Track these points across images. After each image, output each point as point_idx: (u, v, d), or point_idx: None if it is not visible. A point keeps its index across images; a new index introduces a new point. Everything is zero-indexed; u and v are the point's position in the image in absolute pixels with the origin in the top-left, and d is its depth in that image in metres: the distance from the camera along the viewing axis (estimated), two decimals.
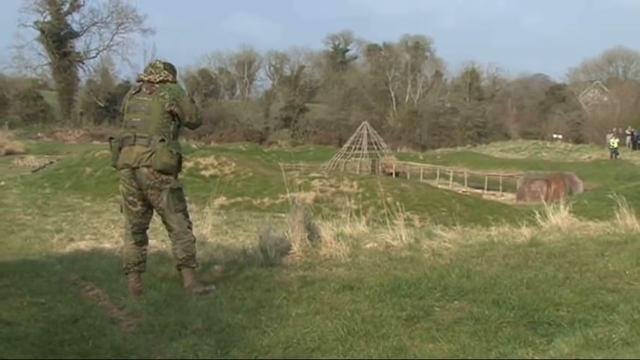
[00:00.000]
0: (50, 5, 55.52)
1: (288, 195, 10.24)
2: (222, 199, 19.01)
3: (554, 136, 53.03)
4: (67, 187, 21.27)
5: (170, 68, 4.81)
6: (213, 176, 21.15)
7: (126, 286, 4.66)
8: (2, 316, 3.93)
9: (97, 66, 60.56)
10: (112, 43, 59.60)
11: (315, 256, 5.58)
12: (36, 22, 55.41)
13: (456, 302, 4.11)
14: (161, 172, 4.55)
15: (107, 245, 8.03)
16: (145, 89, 4.68)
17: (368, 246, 5.98)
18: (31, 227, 12.72)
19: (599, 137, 48.36)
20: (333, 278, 4.83)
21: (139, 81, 4.82)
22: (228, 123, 56.35)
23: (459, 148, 51.13)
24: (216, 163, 22.36)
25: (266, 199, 19.48)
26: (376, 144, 39.08)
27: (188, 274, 4.68)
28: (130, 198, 4.65)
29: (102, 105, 55.68)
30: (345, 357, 3.26)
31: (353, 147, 38.83)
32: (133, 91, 4.76)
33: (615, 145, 39.62)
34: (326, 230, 5.96)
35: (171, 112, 4.62)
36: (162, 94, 4.62)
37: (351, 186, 19.96)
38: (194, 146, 31.99)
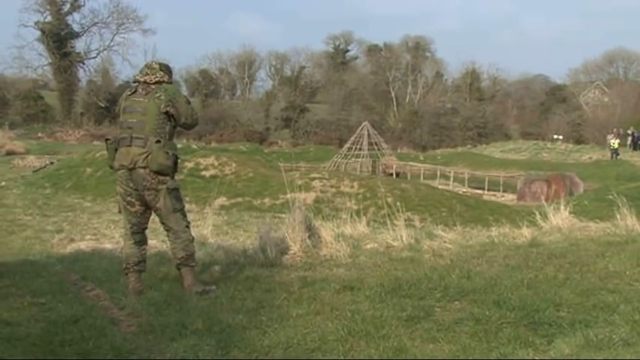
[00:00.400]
0: (51, 5, 55.49)
1: (288, 195, 10.24)
2: (222, 200, 19.02)
3: (555, 136, 53.01)
4: (68, 188, 21.28)
5: (166, 69, 4.82)
6: (213, 176, 21.15)
7: (126, 287, 4.66)
8: (3, 317, 3.93)
9: (98, 66, 60.57)
10: (112, 43, 59.58)
11: (315, 257, 5.58)
12: (36, 23, 55.39)
13: (456, 303, 4.11)
14: (157, 173, 4.57)
15: (108, 245, 8.02)
16: (140, 90, 4.70)
17: (368, 246, 5.98)
18: (32, 227, 12.73)
19: (599, 138, 48.30)
20: (333, 279, 4.83)
21: (134, 82, 4.83)
22: (229, 123, 56.32)
23: (459, 149, 51.12)
24: (216, 163, 22.36)
25: (266, 200, 19.49)
26: (377, 144, 39.07)
27: (187, 273, 4.69)
28: (128, 198, 4.67)
29: (102, 105, 55.64)
30: (345, 357, 3.26)
31: (353, 147, 38.82)
32: (129, 92, 4.77)
33: (616, 146, 39.60)
34: (326, 231, 5.96)
35: (167, 113, 4.63)
36: (158, 95, 4.63)
37: (352, 186, 19.97)
38: (194, 146, 31.96)
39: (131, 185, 4.62)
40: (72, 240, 10.10)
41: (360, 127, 40.69)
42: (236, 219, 15.96)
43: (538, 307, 3.85)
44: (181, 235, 4.69)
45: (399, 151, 46.77)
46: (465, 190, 29.05)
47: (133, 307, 4.21)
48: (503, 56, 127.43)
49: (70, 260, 6.26)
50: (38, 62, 56.93)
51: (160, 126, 4.61)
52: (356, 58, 74.11)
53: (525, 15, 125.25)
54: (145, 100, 4.63)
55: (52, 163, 28.79)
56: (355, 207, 14.45)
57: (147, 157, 4.53)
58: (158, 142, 4.55)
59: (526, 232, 6.35)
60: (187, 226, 4.76)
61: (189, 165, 21.56)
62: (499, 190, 29.79)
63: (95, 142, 40.75)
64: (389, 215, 6.65)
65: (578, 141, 52.73)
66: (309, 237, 5.77)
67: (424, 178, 33.26)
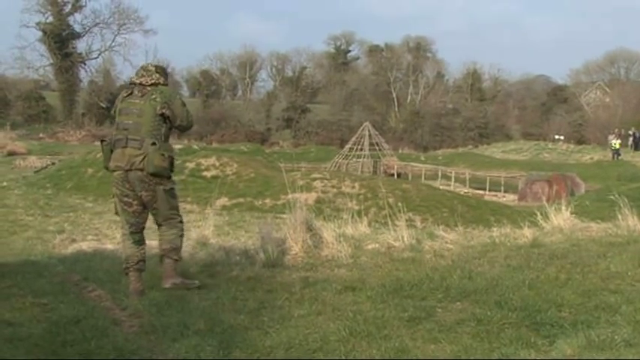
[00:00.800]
0: (52, 6, 55.50)
1: (289, 196, 10.26)
2: (223, 200, 19.00)
3: (556, 137, 52.98)
4: (69, 188, 21.26)
5: (162, 71, 4.88)
6: (214, 177, 21.13)
7: (128, 287, 4.66)
8: (5, 317, 3.93)
9: (99, 67, 60.56)
10: (113, 43, 59.56)
11: (316, 257, 5.58)
12: (38, 23, 55.40)
13: (458, 303, 4.11)
14: (153, 175, 4.59)
15: (109, 246, 8.03)
16: (136, 92, 4.73)
17: (370, 247, 5.98)
18: (33, 228, 12.72)
19: (600, 138, 48.29)
20: (335, 279, 4.84)
21: (130, 84, 4.87)
22: (230, 124, 56.29)
23: (460, 149, 51.10)
24: (217, 163, 22.35)
25: (268, 200, 19.47)
26: (378, 145, 39.04)
27: (168, 265, 4.74)
28: (125, 199, 4.70)
29: (104, 106, 55.57)
30: (347, 358, 3.26)
31: (354, 148, 38.81)
32: (125, 94, 4.80)
33: (617, 146, 39.56)
34: (328, 231, 5.97)
35: (162, 114, 4.66)
36: (154, 96, 4.66)
37: (353, 187, 19.95)
38: (196, 147, 32.02)
39: (127, 186, 4.66)
40: (73, 240, 10.10)
41: (361, 128, 40.67)
42: (237, 219, 15.95)
43: (540, 307, 3.85)
44: (172, 229, 4.75)
45: (400, 151, 46.76)
46: (466, 191, 29.01)
47: (135, 307, 4.21)
48: (504, 57, 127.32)
49: (72, 261, 6.26)
50: (40, 63, 57.00)
51: (156, 128, 4.64)
52: (357, 58, 74.16)
53: (526, 15, 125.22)
54: (141, 101, 4.67)
55: (53, 163, 28.79)
56: (356, 207, 14.42)
57: (143, 159, 4.56)
58: (154, 144, 4.58)
59: (527, 233, 6.35)
60: (180, 222, 4.82)
61: (191, 165, 21.56)
62: (500, 191, 29.76)
63: (96, 143, 40.63)
64: (390, 216, 6.65)
65: (580, 141, 52.70)
66: (310, 237, 5.77)
67: (425, 178, 33.23)
